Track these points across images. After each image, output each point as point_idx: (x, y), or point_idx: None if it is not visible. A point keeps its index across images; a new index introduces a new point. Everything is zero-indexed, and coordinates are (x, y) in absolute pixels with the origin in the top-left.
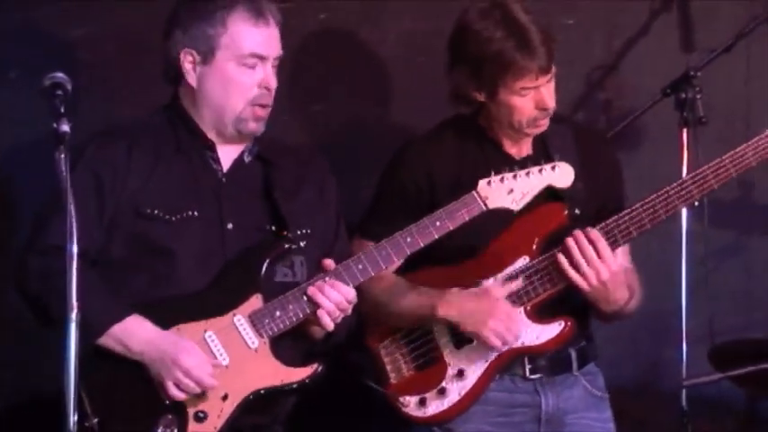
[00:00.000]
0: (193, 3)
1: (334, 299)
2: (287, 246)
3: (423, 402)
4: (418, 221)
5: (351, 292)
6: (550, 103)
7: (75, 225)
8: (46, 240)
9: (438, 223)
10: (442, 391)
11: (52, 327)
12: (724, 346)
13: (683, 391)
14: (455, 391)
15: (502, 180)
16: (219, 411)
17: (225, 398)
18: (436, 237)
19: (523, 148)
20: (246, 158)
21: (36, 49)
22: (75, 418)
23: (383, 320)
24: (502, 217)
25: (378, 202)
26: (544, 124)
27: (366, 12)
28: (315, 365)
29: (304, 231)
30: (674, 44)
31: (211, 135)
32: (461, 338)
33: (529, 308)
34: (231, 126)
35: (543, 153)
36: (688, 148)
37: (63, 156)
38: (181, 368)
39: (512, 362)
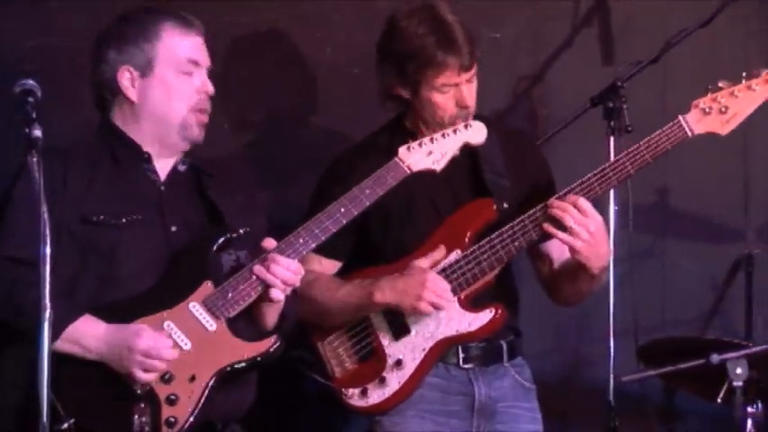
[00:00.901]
0: (122, 23)
1: (280, 274)
2: (228, 234)
3: (364, 393)
4: (348, 193)
5: (294, 264)
6: (470, 102)
7: (48, 226)
8: (3, 252)
9: (368, 191)
10: (383, 381)
11: (16, 339)
12: (652, 343)
13: (611, 385)
14: (395, 380)
15: (420, 144)
16: (190, 393)
17: (192, 379)
18: (368, 204)
19: None
20: (181, 168)
21: None
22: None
23: (324, 318)
24: (431, 215)
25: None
26: None
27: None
28: (273, 337)
29: (244, 230)
30: (595, 56)
31: (148, 148)
32: (399, 329)
33: (462, 297)
34: (176, 134)
35: (469, 153)
36: (615, 155)
37: (36, 160)
38: (139, 351)
39: (447, 351)
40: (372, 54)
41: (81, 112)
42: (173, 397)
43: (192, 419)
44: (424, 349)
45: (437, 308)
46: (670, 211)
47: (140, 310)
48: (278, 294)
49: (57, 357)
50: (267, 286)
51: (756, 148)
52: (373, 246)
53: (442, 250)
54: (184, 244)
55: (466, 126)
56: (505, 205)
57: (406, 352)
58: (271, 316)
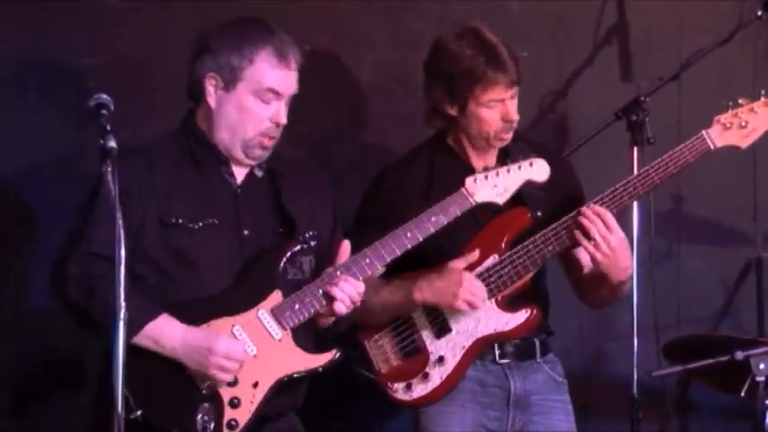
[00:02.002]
0: (224, 32)
1: (347, 291)
2: (300, 246)
3: (409, 387)
4: (415, 218)
5: (360, 285)
6: (515, 115)
7: (123, 230)
8: (85, 249)
9: (434, 218)
10: (426, 376)
11: (92, 329)
12: (674, 341)
13: (635, 380)
14: (437, 375)
15: (486, 177)
16: (252, 397)
17: (255, 385)
18: (432, 231)
19: (488, 161)
20: (258, 173)
21: (51, 75)
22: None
23: (368, 317)
24: (470, 223)
25: (358, 220)
26: (508, 137)
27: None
28: (334, 351)
29: (312, 233)
30: (614, 73)
31: (225, 152)
32: (441, 328)
33: (499, 299)
34: (240, 150)
35: (504, 163)
36: (638, 166)
37: (110, 169)
38: (219, 354)
39: (486, 348)
40: (408, 72)
41: (134, 125)
42: (235, 401)
43: (251, 421)
44: (464, 347)
45: (472, 306)
46: (685, 217)
47: (211, 313)
48: (342, 309)
49: (132, 352)
50: (332, 300)
51: (764, 160)
52: (416, 251)
53: (476, 254)
54: (256, 248)
55: (531, 164)
56: (539, 214)
57: (447, 349)
58: (327, 319)
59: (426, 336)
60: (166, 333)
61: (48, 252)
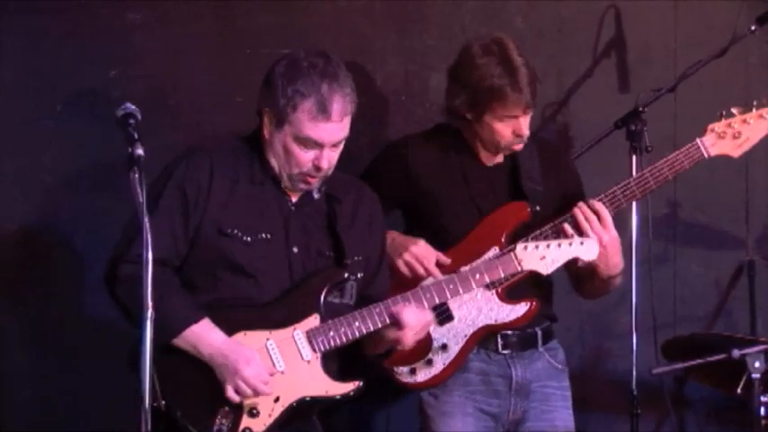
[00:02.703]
0: (284, 70)
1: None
2: (346, 275)
3: (413, 371)
4: (461, 273)
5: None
6: (526, 131)
7: (149, 236)
8: (136, 250)
9: (478, 276)
10: (429, 362)
11: (136, 326)
12: (673, 339)
13: (634, 376)
14: (440, 361)
15: (537, 247)
16: (270, 411)
17: (276, 400)
18: (474, 288)
19: (496, 157)
20: (315, 195)
21: (78, 86)
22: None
23: None
24: (472, 210)
25: (366, 173)
26: (517, 149)
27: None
28: (357, 383)
29: (357, 258)
30: (612, 85)
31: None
32: (443, 316)
33: (500, 290)
34: (286, 180)
35: (510, 160)
36: (637, 173)
37: (137, 176)
38: (241, 377)
39: (487, 337)
40: (416, 83)
41: (157, 136)
42: (255, 411)
43: None
44: (465, 335)
45: (413, 270)
46: (681, 222)
47: (251, 323)
48: (408, 339)
49: (172, 348)
50: (401, 327)
51: (756, 168)
52: (421, 231)
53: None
54: (303, 267)
55: (581, 243)
56: (538, 208)
57: (450, 337)
58: (380, 349)
59: None
60: (205, 340)
61: (78, 253)
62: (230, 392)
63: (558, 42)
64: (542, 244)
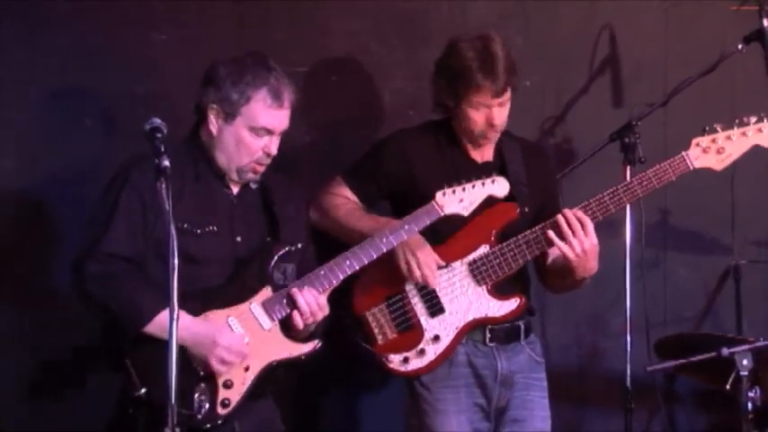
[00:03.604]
0: (229, 67)
1: (307, 299)
2: (287, 248)
3: (406, 360)
4: (389, 226)
5: (322, 299)
6: (498, 121)
7: (175, 241)
8: (102, 249)
9: (407, 226)
10: (422, 352)
11: (110, 319)
12: (665, 339)
13: (628, 373)
14: (432, 351)
15: (453, 192)
16: (243, 380)
17: (247, 369)
18: (405, 237)
19: (485, 155)
20: (252, 186)
21: (105, 102)
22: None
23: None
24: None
25: (363, 162)
26: (492, 138)
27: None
28: (315, 342)
29: (298, 246)
30: (607, 100)
31: (222, 170)
32: (435, 309)
33: (490, 286)
34: (234, 173)
35: (499, 159)
36: None
37: (164, 186)
38: (222, 346)
39: (476, 329)
40: (422, 98)
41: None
42: (228, 382)
43: (241, 401)
44: (456, 327)
45: (410, 271)
46: (671, 229)
47: (210, 304)
48: (299, 322)
49: (138, 338)
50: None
51: (741, 179)
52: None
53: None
54: (246, 252)
55: (492, 181)
56: (526, 209)
57: (441, 329)
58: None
59: (421, 314)
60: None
61: None
62: (215, 364)
63: (556, 60)
64: (458, 188)
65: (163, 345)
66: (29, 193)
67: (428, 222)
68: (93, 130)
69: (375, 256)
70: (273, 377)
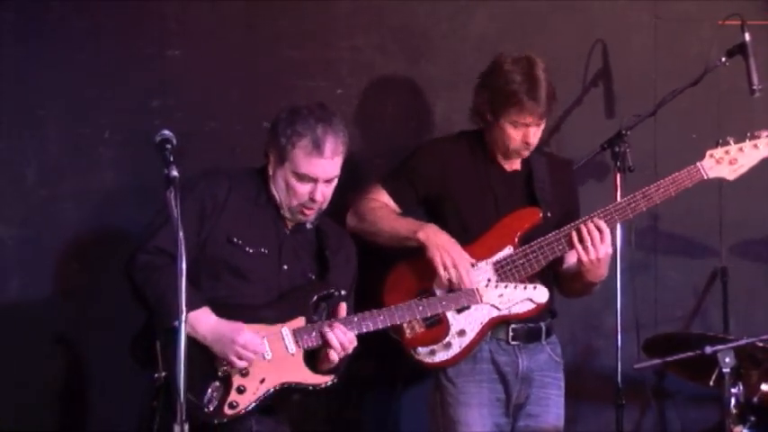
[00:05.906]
0: (286, 116)
1: (340, 339)
2: (332, 290)
3: (432, 353)
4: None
5: (352, 335)
6: (533, 140)
7: (183, 246)
8: (153, 243)
9: (444, 302)
10: (448, 345)
11: (144, 306)
12: (653, 338)
13: (619, 371)
14: (457, 345)
15: (496, 287)
16: (255, 390)
17: (262, 381)
18: (439, 311)
19: (514, 165)
20: (308, 226)
21: (124, 115)
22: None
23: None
24: (491, 210)
25: (400, 166)
26: (525, 155)
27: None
28: (331, 377)
29: (342, 292)
30: (599, 111)
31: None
32: (462, 306)
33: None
34: (286, 211)
35: (527, 168)
36: (621, 189)
37: (173, 195)
38: (239, 343)
39: (500, 325)
40: (423, 110)
41: (194, 160)
42: (242, 388)
43: (249, 409)
44: (481, 323)
45: (446, 268)
46: (661, 233)
47: (246, 320)
48: (334, 357)
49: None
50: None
51: (729, 184)
52: (441, 227)
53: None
54: (289, 283)
55: (534, 287)
56: (549, 214)
57: (467, 324)
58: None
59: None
60: (202, 322)
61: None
62: (233, 359)
63: (550, 73)
64: (501, 285)
65: (192, 339)
66: (50, 201)
67: (465, 305)
68: (111, 141)
69: (408, 320)
70: (288, 400)
